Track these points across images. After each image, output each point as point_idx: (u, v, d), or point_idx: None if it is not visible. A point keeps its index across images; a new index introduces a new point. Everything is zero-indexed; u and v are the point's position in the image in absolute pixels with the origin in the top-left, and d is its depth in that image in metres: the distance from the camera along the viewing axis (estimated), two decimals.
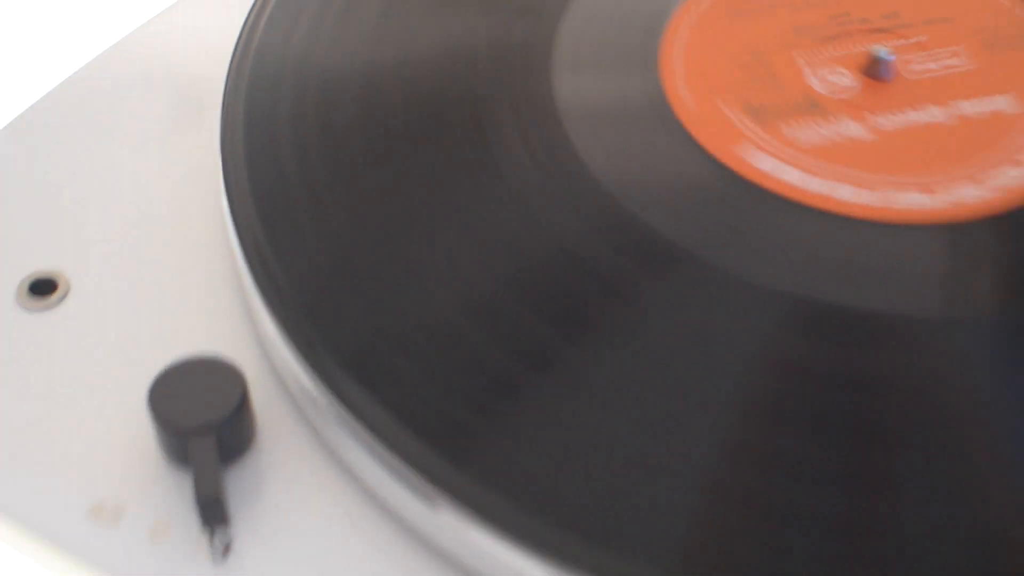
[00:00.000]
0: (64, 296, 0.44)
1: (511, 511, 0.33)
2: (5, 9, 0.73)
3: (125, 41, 0.55)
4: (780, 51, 0.49)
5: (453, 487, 0.34)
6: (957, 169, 0.43)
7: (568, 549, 0.32)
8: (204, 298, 0.44)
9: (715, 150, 0.44)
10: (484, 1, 0.51)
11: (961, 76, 0.47)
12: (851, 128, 0.45)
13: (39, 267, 0.45)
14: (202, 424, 0.35)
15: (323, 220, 0.42)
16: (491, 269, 0.40)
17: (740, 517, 0.34)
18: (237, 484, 0.37)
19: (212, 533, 0.35)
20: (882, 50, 0.47)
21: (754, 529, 0.34)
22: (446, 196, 0.43)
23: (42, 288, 0.44)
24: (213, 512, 0.35)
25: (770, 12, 0.51)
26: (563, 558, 0.32)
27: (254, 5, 0.51)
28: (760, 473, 0.35)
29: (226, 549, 0.35)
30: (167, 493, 0.37)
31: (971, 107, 0.46)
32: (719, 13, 0.51)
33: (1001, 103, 0.46)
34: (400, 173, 0.43)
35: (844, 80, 0.47)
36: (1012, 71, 0.48)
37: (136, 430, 0.37)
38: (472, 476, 0.34)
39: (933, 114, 0.46)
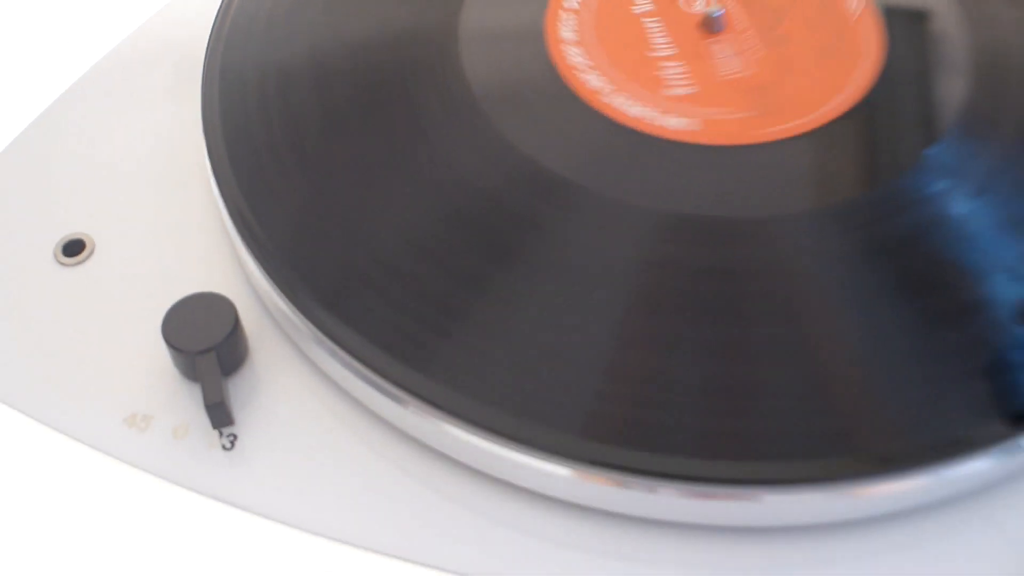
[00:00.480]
0: (91, 254, 0.50)
1: (458, 398, 0.41)
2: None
3: (135, 34, 0.61)
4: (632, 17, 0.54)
5: (411, 385, 0.41)
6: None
7: (501, 423, 0.40)
8: (201, 247, 0.50)
9: (589, 99, 0.50)
10: None
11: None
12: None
13: (69, 231, 0.51)
14: (205, 346, 0.43)
15: (288, 180, 0.48)
16: (429, 213, 0.47)
17: (635, 386, 0.42)
18: (237, 391, 0.45)
19: (220, 430, 0.43)
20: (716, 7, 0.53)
21: (645, 395, 0.41)
22: (387, 155, 0.49)
23: (73, 249, 0.50)
24: (219, 414, 0.42)
25: None
26: (498, 432, 0.40)
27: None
28: (648, 351, 0.43)
29: (232, 442, 0.43)
30: (184, 402, 0.44)
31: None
32: None
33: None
34: (348, 138, 0.50)
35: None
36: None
37: (155, 355, 0.44)
38: (426, 375, 0.42)
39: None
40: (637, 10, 0.54)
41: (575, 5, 0.54)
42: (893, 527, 0.41)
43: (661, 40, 0.53)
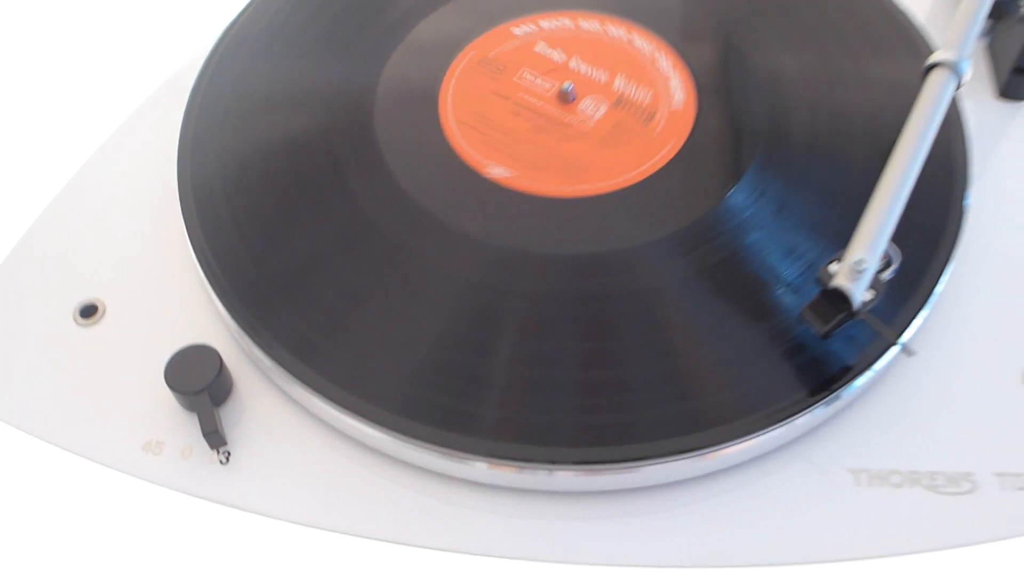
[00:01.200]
0: (103, 315, 0.59)
1: (400, 419, 0.52)
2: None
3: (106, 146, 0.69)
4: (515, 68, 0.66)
5: (349, 404, 0.52)
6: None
7: (427, 433, 0.51)
8: (191, 308, 0.60)
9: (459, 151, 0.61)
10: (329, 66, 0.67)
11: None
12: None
13: (85, 297, 0.60)
14: (198, 387, 0.53)
15: (247, 248, 0.59)
16: (342, 252, 0.58)
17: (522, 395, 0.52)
18: (227, 417, 0.55)
19: (217, 450, 0.53)
20: (568, 83, 0.63)
21: (524, 399, 0.52)
22: (315, 214, 0.60)
23: (88, 311, 0.59)
24: (215, 439, 0.53)
25: (517, 52, 0.67)
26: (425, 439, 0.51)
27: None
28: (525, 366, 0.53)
29: (227, 458, 0.53)
30: (187, 429, 0.54)
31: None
32: (473, 66, 0.67)
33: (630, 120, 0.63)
34: (285, 210, 0.60)
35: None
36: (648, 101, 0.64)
37: (162, 394, 0.54)
38: (356, 395, 0.52)
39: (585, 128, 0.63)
40: (516, 78, 0.66)
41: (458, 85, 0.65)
42: (735, 473, 0.52)
43: (523, 103, 0.65)
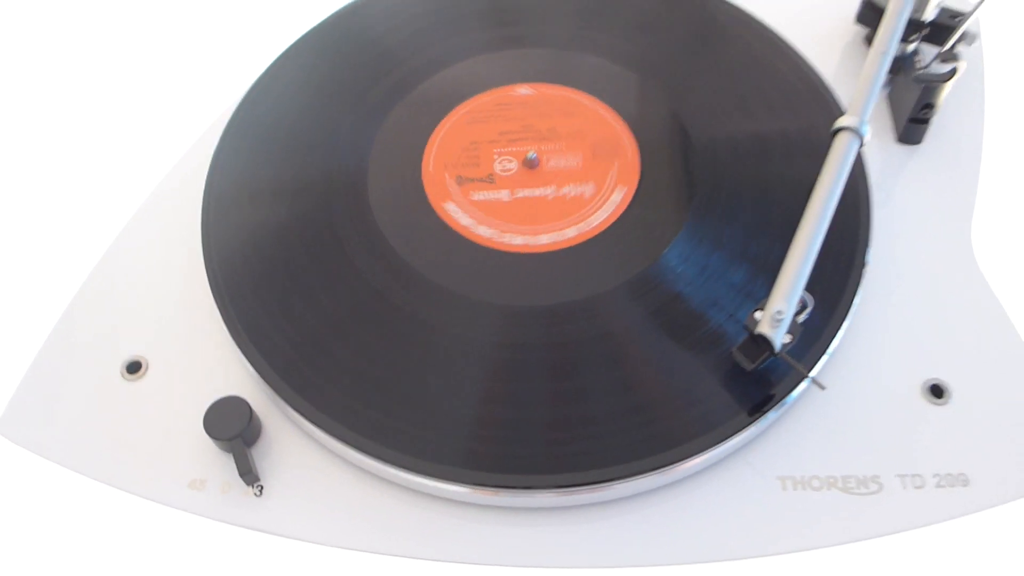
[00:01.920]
0: (146, 371, 0.66)
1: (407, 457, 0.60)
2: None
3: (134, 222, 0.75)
4: (487, 144, 0.74)
5: (361, 445, 0.60)
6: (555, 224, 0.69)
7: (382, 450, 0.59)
8: (222, 363, 0.66)
9: (435, 205, 0.69)
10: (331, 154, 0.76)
11: (571, 170, 0.72)
12: (505, 195, 0.71)
13: (130, 354, 0.67)
14: (232, 434, 0.60)
15: (268, 315, 0.66)
16: (343, 311, 0.66)
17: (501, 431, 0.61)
18: (259, 456, 0.62)
19: (251, 485, 0.61)
20: (532, 152, 0.72)
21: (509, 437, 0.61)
22: (321, 277, 0.68)
23: (133, 368, 0.66)
24: (249, 477, 0.60)
25: (489, 120, 0.75)
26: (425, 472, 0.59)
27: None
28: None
29: (260, 491, 0.61)
30: (226, 468, 0.62)
31: (569, 190, 0.71)
32: (464, 120, 0.75)
33: (587, 189, 0.71)
34: (294, 277, 0.68)
35: (511, 165, 0.72)
36: (601, 170, 0.72)
37: (202, 439, 0.61)
38: (362, 435, 0.60)
39: (547, 191, 0.71)
40: (489, 141, 0.74)
41: (440, 150, 0.74)
42: (687, 480, 0.61)
43: (494, 167, 0.73)
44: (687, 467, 0.59)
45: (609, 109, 0.76)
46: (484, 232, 0.69)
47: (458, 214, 0.69)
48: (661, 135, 0.74)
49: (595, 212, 0.69)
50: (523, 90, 0.78)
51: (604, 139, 0.74)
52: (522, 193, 0.71)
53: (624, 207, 0.70)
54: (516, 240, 0.68)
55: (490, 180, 0.72)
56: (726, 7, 0.83)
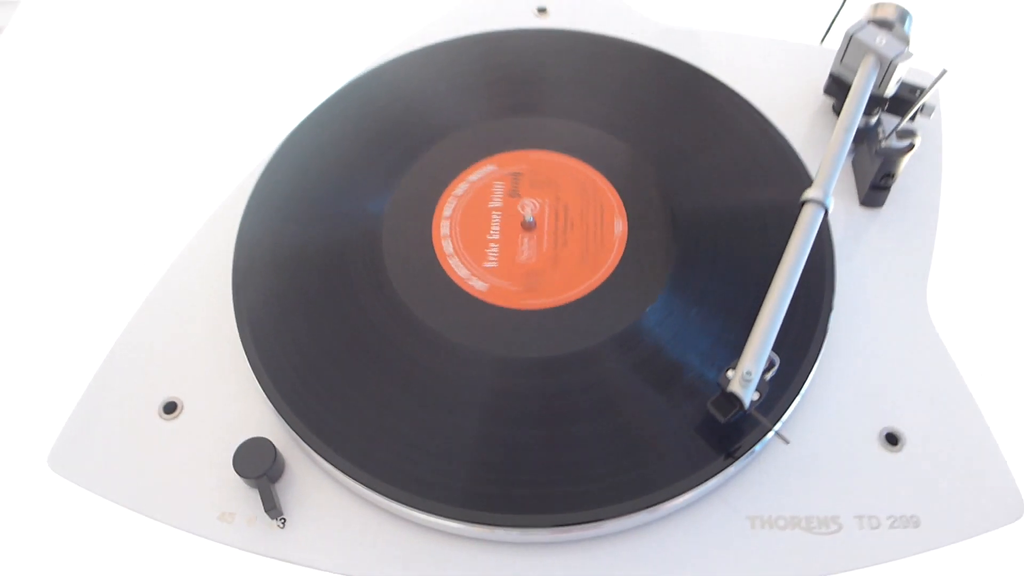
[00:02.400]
0: (181, 412, 0.71)
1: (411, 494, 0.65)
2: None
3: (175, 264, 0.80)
4: (487, 213, 0.79)
5: (370, 483, 0.65)
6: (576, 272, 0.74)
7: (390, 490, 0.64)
8: (250, 405, 0.71)
9: (444, 266, 0.75)
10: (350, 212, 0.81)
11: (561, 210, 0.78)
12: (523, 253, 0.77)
13: (167, 396, 0.71)
14: (259, 473, 0.65)
15: (291, 364, 0.72)
16: (363, 364, 0.71)
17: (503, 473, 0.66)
18: (282, 491, 0.67)
19: (275, 518, 0.65)
20: (529, 216, 0.77)
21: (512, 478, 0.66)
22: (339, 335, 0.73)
23: (170, 408, 0.71)
24: (273, 511, 0.65)
25: (489, 186, 0.81)
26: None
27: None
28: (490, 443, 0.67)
29: (283, 523, 0.66)
30: (252, 502, 0.66)
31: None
32: (459, 200, 0.81)
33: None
34: (307, 325, 0.74)
35: (520, 236, 0.77)
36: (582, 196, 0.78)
37: (231, 475, 0.65)
38: (373, 475, 0.66)
39: (565, 234, 0.76)
40: (491, 204, 0.79)
41: (449, 213, 0.79)
42: (668, 518, 0.66)
43: (495, 228, 0.78)
44: (668, 507, 0.64)
45: (596, 171, 0.82)
46: (478, 286, 0.75)
47: (472, 280, 0.75)
48: (642, 202, 0.80)
49: (586, 272, 0.75)
50: (514, 161, 0.84)
51: (593, 199, 0.80)
52: (531, 254, 0.77)
53: (613, 268, 0.75)
54: (527, 300, 0.73)
55: (497, 244, 0.77)
56: (704, 77, 0.89)
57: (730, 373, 0.64)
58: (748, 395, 0.63)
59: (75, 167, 1.02)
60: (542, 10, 1.00)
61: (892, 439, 0.68)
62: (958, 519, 0.65)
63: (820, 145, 0.85)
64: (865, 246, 0.79)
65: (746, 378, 0.63)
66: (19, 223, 0.97)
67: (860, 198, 0.81)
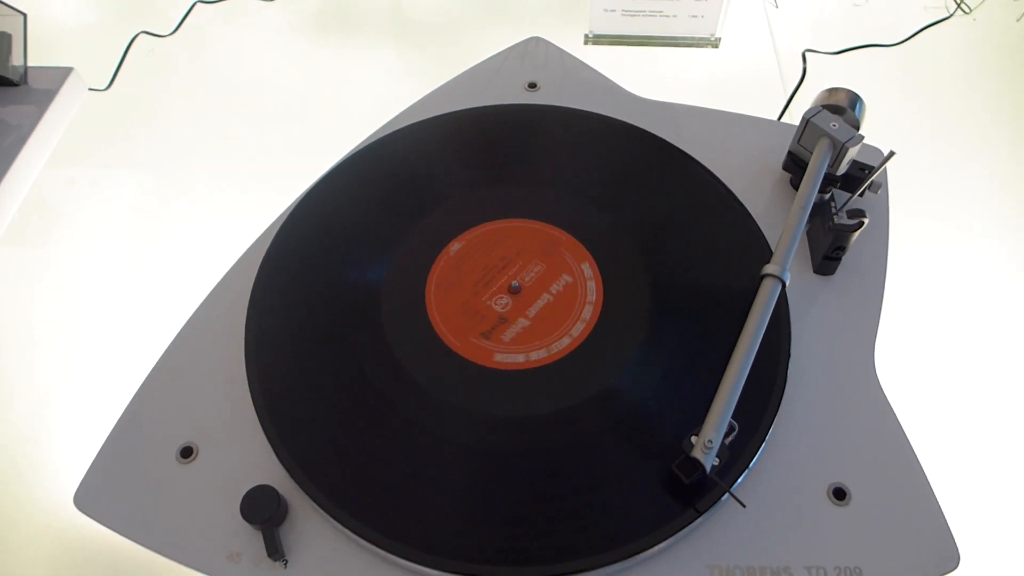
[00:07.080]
0: (197, 456, 0.68)
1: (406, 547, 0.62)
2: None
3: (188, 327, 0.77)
4: (478, 291, 0.75)
5: (364, 532, 0.62)
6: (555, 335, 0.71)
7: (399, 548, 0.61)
8: (258, 454, 0.68)
9: (440, 333, 0.72)
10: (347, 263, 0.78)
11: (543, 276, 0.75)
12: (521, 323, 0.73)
13: (183, 441, 0.69)
14: (263, 518, 0.62)
15: (295, 419, 0.69)
16: (364, 423, 0.68)
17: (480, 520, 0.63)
18: (285, 534, 0.64)
19: (277, 560, 0.63)
20: (514, 282, 0.74)
21: (491, 529, 0.62)
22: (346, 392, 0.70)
23: (186, 453, 0.68)
24: (277, 552, 0.62)
25: (476, 255, 0.77)
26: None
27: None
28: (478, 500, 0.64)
29: (285, 564, 0.63)
30: (257, 544, 0.63)
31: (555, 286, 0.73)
32: (449, 267, 0.77)
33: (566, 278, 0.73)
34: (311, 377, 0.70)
35: (505, 300, 0.74)
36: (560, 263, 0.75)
37: (236, 519, 0.63)
38: (370, 527, 0.62)
39: (545, 298, 0.73)
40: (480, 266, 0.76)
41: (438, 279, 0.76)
42: (638, 566, 0.63)
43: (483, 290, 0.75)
44: (639, 557, 0.62)
45: (571, 237, 0.79)
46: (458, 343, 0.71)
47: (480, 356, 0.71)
48: (618, 277, 0.76)
49: (572, 326, 0.72)
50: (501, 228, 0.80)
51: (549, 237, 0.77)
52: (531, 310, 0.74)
53: (588, 332, 0.72)
54: (518, 358, 0.70)
55: (503, 321, 0.73)
56: (675, 151, 0.85)
57: (693, 439, 0.61)
58: (709, 461, 0.60)
59: (108, 224, 1.01)
60: (533, 85, 0.95)
61: (840, 494, 0.65)
62: (898, 570, 0.62)
63: (779, 212, 0.82)
64: (818, 309, 0.76)
65: (707, 446, 0.60)
66: (46, 277, 0.97)
67: (814, 266, 0.78)
